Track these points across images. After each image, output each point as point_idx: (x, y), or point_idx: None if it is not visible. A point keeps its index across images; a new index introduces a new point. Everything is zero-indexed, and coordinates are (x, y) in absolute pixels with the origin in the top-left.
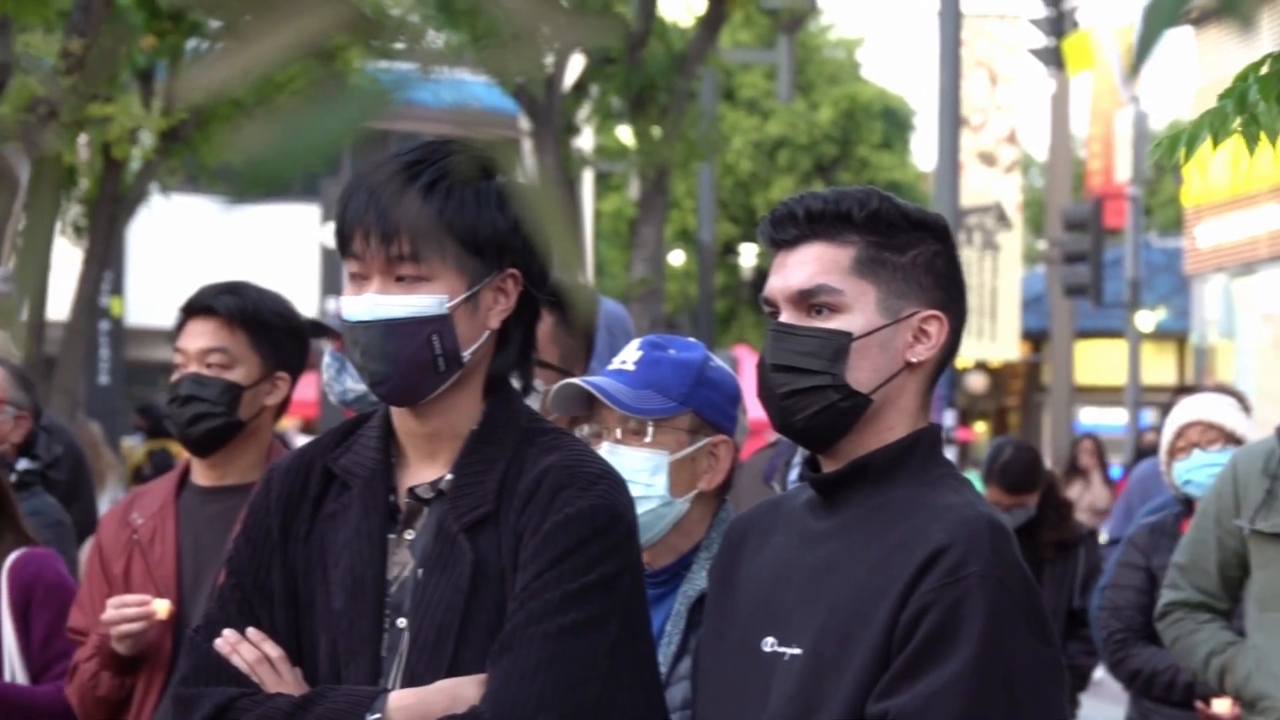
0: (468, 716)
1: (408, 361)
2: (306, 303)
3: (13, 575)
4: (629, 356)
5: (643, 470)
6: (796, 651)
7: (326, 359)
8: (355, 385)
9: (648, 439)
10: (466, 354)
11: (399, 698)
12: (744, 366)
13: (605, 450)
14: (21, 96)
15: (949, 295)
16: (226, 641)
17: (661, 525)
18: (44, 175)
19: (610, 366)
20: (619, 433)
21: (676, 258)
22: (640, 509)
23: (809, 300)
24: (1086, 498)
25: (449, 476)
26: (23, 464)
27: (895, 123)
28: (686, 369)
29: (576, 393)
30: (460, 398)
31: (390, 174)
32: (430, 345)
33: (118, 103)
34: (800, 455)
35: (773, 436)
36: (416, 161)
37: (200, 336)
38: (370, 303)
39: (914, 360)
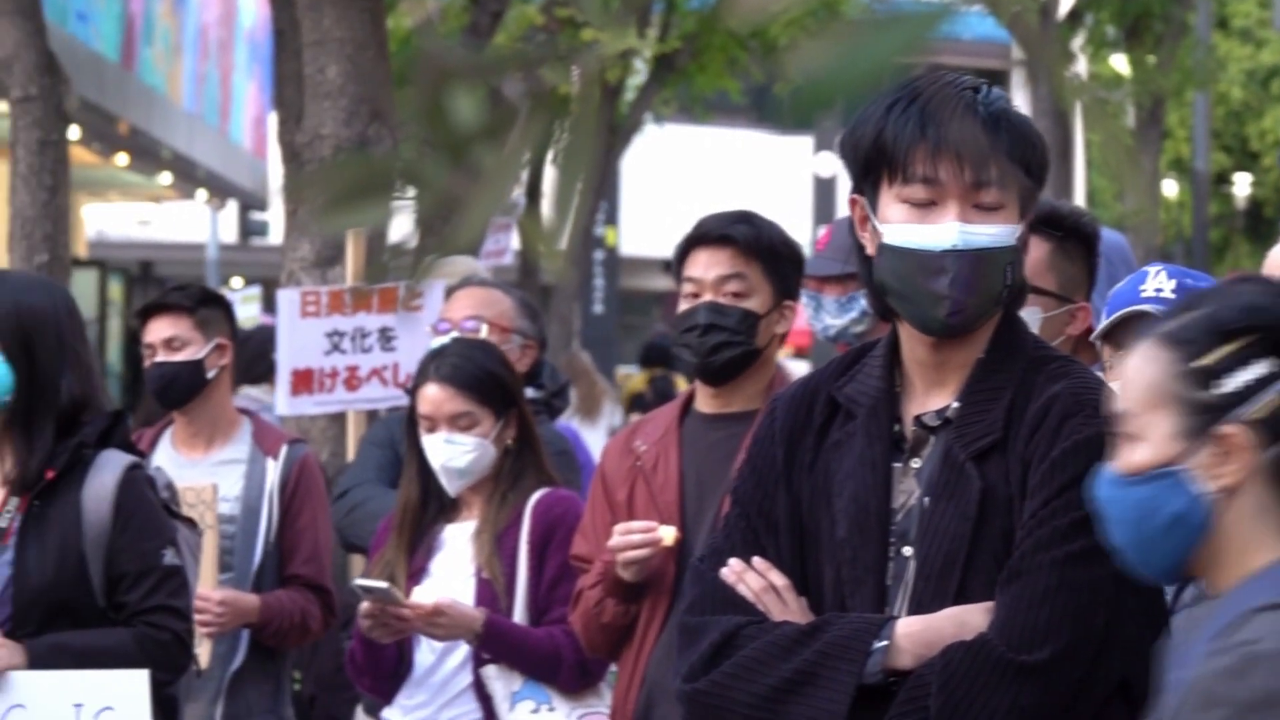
0: (976, 643)
1: (985, 292)
2: (800, 234)
3: (537, 514)
4: (1161, 285)
5: None
6: None
7: (803, 298)
8: (833, 320)
9: None
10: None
11: (906, 625)
12: None
13: None
14: (519, 26)
15: None
16: (732, 570)
17: None
18: (585, 101)
19: (1144, 294)
20: None
21: (1169, 188)
22: None
23: None
24: None
25: (955, 404)
26: (529, 393)
27: None
28: None
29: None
30: (981, 325)
31: (957, 100)
32: (1004, 276)
33: (610, 30)
34: None
35: None
36: (974, 88)
37: (716, 265)
38: (957, 230)
39: None
